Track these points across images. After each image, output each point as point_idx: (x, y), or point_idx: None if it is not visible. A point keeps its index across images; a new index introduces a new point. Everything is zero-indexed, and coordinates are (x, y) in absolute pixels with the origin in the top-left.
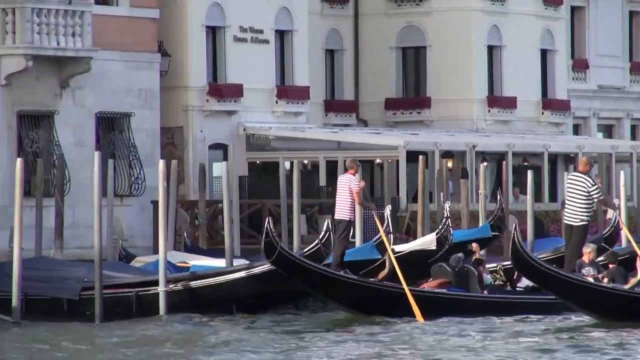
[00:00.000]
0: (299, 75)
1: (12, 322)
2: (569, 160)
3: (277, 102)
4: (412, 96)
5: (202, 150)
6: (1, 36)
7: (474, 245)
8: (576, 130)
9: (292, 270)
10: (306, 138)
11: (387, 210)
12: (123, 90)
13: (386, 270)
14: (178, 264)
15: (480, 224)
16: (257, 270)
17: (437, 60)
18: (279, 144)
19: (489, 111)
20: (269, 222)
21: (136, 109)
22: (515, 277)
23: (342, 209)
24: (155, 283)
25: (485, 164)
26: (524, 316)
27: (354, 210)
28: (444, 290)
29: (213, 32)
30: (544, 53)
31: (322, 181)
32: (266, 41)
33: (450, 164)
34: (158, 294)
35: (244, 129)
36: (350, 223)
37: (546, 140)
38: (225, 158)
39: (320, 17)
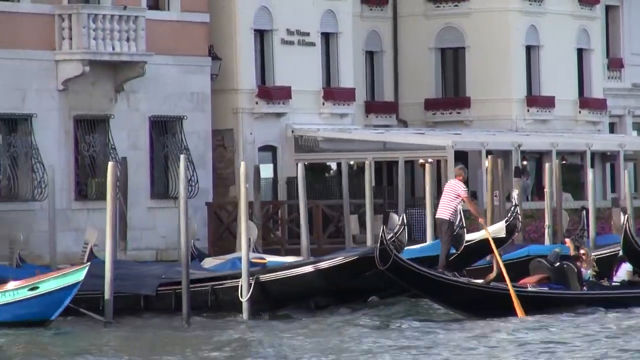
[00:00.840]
0: (344, 77)
1: (104, 322)
2: (606, 158)
3: (323, 104)
4: (451, 96)
5: (251, 152)
6: (58, 42)
7: (567, 241)
8: (612, 128)
9: (405, 277)
10: (353, 139)
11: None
12: (176, 94)
13: (494, 273)
14: (253, 260)
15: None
16: (324, 264)
17: (476, 60)
18: (326, 145)
19: (528, 111)
20: (383, 230)
21: (188, 112)
22: (614, 269)
23: (445, 209)
24: (229, 277)
25: (524, 162)
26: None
27: (455, 213)
28: (547, 289)
29: (261, 36)
30: (579, 52)
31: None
32: (312, 44)
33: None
34: (232, 287)
35: (292, 131)
36: (452, 223)
37: (587, 138)
38: (274, 160)
39: (360, 19)
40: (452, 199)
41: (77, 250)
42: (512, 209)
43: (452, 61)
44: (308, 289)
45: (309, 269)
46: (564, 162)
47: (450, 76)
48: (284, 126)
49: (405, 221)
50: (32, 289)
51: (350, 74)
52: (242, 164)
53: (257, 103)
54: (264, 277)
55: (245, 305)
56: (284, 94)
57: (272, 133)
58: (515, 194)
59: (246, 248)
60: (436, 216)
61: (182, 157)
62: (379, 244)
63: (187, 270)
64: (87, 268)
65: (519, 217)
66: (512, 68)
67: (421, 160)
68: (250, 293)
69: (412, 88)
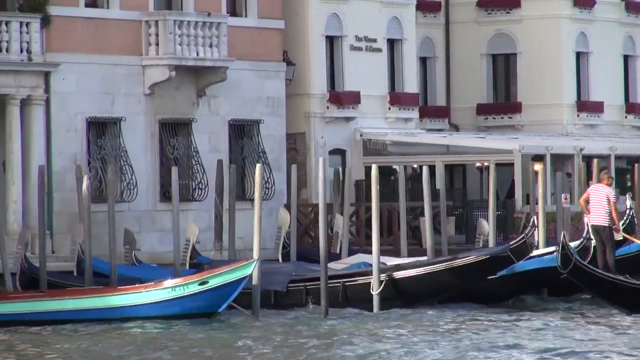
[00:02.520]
0: (409, 83)
1: (250, 316)
2: None
3: (389, 109)
4: (502, 101)
5: (323, 156)
6: (145, 48)
7: None
8: None
9: (586, 281)
10: (419, 143)
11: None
12: (253, 99)
13: None
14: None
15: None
16: (458, 262)
17: (527, 66)
18: (393, 149)
19: (578, 115)
20: (564, 235)
21: (264, 116)
22: None
23: (600, 215)
24: (361, 275)
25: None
26: None
27: (609, 216)
28: None
29: (331, 42)
30: (625, 59)
31: (438, 184)
32: (379, 50)
33: (537, 167)
34: (363, 284)
35: (361, 135)
36: (611, 229)
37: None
38: (344, 163)
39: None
40: (604, 204)
41: (162, 249)
42: (627, 212)
43: (503, 67)
44: (439, 287)
45: (442, 267)
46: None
47: (501, 81)
48: (352, 130)
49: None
50: (202, 284)
51: (413, 80)
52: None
53: (328, 107)
54: (397, 275)
55: (376, 299)
56: (354, 98)
57: (341, 137)
58: (629, 197)
59: (377, 244)
60: (592, 223)
61: (258, 166)
62: (559, 248)
63: (326, 268)
64: (255, 263)
65: (635, 219)
66: (563, 74)
67: (478, 164)
68: (381, 289)
69: (463, 93)
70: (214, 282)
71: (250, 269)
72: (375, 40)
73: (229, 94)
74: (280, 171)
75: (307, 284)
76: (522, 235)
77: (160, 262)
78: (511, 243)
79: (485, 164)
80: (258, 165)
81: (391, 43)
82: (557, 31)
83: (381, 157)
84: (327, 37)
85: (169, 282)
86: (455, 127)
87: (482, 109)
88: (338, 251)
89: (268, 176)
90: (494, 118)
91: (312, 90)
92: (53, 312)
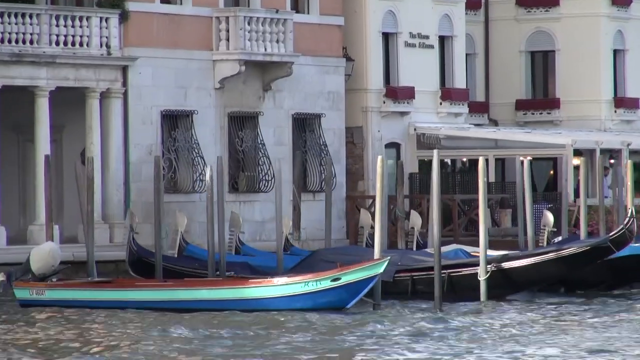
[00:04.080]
0: (458, 78)
1: (373, 304)
2: None
3: (441, 104)
4: (541, 97)
5: (379, 149)
6: (215, 43)
7: None
8: None
9: None
10: (470, 137)
11: None
12: (314, 93)
13: None
14: (472, 253)
15: None
16: (565, 252)
17: (566, 63)
18: (446, 143)
19: (615, 111)
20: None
21: (325, 110)
22: None
23: None
24: (466, 265)
25: (611, 160)
26: None
27: None
28: None
29: (386, 38)
30: None
31: (491, 177)
32: (431, 46)
33: (577, 162)
34: (468, 275)
35: (415, 129)
36: None
37: None
38: (398, 156)
39: None
40: None
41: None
42: None
43: (541, 63)
44: (544, 276)
45: (551, 256)
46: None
47: (539, 78)
48: (406, 124)
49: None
50: (334, 280)
51: (462, 76)
52: (380, 158)
53: (384, 102)
54: (505, 265)
55: (483, 287)
56: (409, 93)
57: (396, 130)
58: None
59: (485, 234)
60: None
61: (379, 157)
62: None
63: (439, 258)
64: (387, 262)
65: None
66: (600, 70)
67: (521, 158)
68: (488, 277)
69: (502, 89)
70: (346, 279)
71: (382, 268)
72: (427, 37)
73: (292, 88)
74: (340, 164)
75: (413, 274)
76: (622, 226)
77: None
78: (611, 234)
79: (527, 157)
80: (380, 157)
81: (442, 40)
82: (595, 29)
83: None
84: (383, 33)
85: (303, 277)
86: (494, 122)
87: (521, 105)
88: (415, 247)
89: (330, 169)
90: (533, 114)
91: (369, 86)
92: (189, 300)
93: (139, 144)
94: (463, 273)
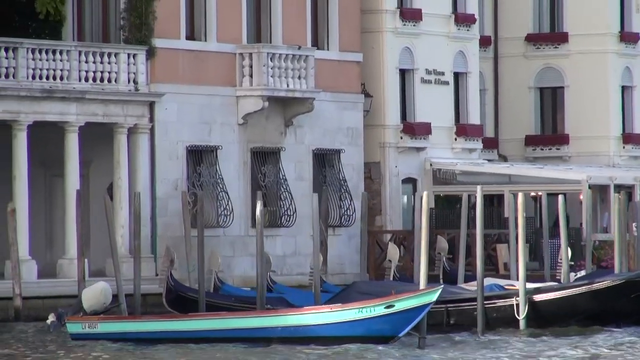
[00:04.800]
0: (472, 114)
1: (419, 337)
2: None
3: (456, 139)
4: (550, 133)
5: (396, 184)
6: (239, 79)
7: None
8: None
9: None
10: (485, 172)
11: None
12: (334, 129)
13: None
14: (506, 287)
15: None
16: (597, 286)
17: (574, 99)
18: (462, 178)
19: (624, 147)
20: None
21: (345, 146)
22: None
23: None
24: (501, 297)
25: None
26: None
27: None
28: None
29: (403, 74)
30: None
31: (506, 213)
32: (446, 82)
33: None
34: (503, 306)
35: (431, 164)
36: None
37: None
38: (414, 191)
39: None
40: None
41: (254, 274)
42: None
43: (550, 100)
44: (577, 310)
45: (581, 290)
46: None
47: (548, 114)
48: (422, 160)
49: None
50: (388, 307)
51: (477, 111)
52: (425, 194)
53: (401, 138)
54: (537, 297)
55: (522, 324)
56: (426, 129)
57: (413, 166)
58: None
59: (523, 270)
60: None
61: (424, 193)
62: None
63: (482, 289)
64: (440, 290)
65: None
66: (609, 107)
67: (532, 194)
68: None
69: (512, 125)
70: (400, 306)
71: (436, 296)
72: (443, 74)
73: (312, 123)
74: (359, 199)
75: (448, 305)
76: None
77: (253, 285)
78: None
79: (540, 193)
80: (425, 193)
81: (456, 76)
82: (603, 66)
83: (450, 186)
84: (399, 69)
85: (357, 304)
86: (503, 158)
87: (531, 141)
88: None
89: (349, 204)
90: (542, 149)
91: (386, 121)
92: (241, 329)
93: (165, 179)
94: (497, 305)
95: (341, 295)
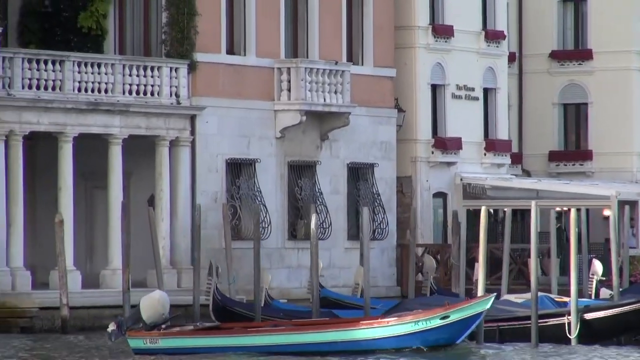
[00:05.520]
0: (501, 130)
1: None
2: None
3: (485, 154)
4: (573, 149)
5: (427, 198)
6: (277, 93)
7: None
8: None
9: None
10: (514, 187)
11: None
12: (368, 143)
13: None
14: (556, 299)
15: None
16: None
17: (598, 115)
18: (491, 193)
19: None
20: None
21: (378, 160)
22: None
23: None
24: (553, 315)
25: None
26: None
27: None
28: None
29: (434, 90)
30: None
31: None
32: (476, 98)
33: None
34: (555, 325)
35: (461, 179)
36: None
37: None
38: (445, 206)
39: None
40: None
41: (290, 286)
42: None
43: (574, 116)
44: (626, 327)
45: (631, 308)
46: None
47: (572, 130)
48: (453, 174)
49: None
50: (443, 318)
51: (505, 127)
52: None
53: (432, 152)
54: (587, 316)
55: (574, 343)
56: (456, 144)
57: (443, 180)
58: None
59: (575, 289)
60: None
61: (483, 208)
62: None
63: (537, 307)
64: (492, 298)
65: None
66: (632, 123)
67: (557, 209)
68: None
69: (535, 140)
70: (455, 317)
71: (489, 304)
72: (473, 89)
73: (347, 138)
74: (391, 213)
75: (500, 324)
76: None
77: (289, 297)
78: None
79: (565, 208)
80: (483, 207)
81: (485, 91)
82: (627, 82)
83: (480, 201)
84: (431, 85)
85: (413, 316)
86: (527, 173)
87: (554, 156)
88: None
89: (382, 217)
90: (565, 165)
91: (418, 136)
92: (299, 344)
93: (205, 191)
94: (549, 324)
95: (390, 312)
